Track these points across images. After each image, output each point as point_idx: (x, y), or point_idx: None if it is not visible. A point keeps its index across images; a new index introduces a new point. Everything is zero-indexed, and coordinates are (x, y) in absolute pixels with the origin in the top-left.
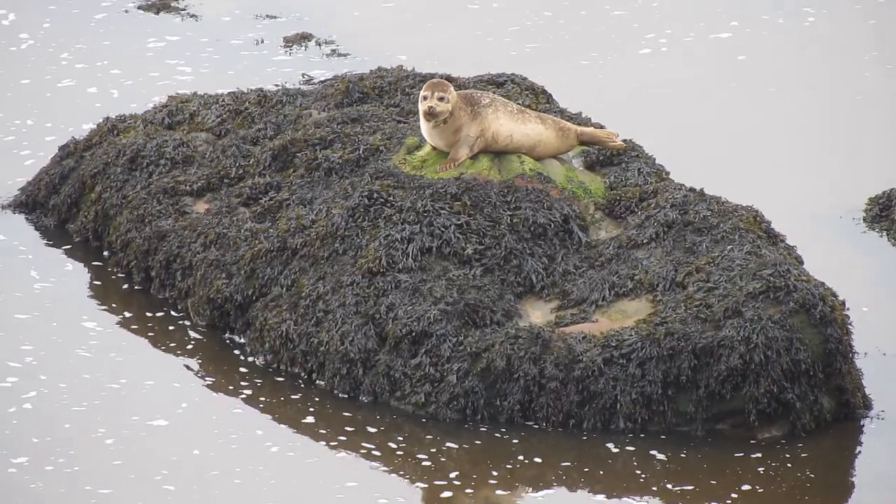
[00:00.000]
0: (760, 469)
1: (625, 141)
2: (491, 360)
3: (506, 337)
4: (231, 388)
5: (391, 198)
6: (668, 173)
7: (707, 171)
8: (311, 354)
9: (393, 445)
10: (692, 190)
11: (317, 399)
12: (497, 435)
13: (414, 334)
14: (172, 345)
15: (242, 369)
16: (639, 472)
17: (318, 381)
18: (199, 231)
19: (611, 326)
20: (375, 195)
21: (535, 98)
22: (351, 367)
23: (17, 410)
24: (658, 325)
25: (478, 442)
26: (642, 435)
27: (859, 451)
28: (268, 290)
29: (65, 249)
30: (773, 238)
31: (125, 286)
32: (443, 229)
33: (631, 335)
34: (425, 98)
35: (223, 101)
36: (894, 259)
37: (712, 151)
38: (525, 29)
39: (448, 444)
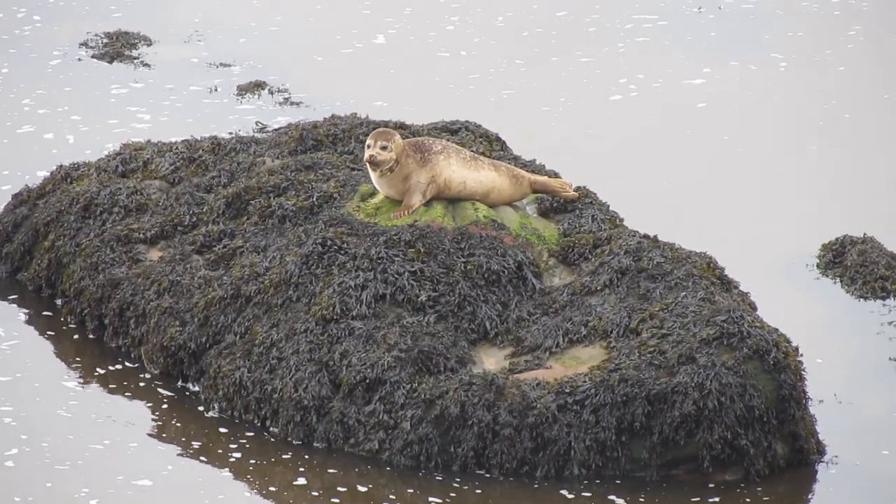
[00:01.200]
0: None
1: (578, 188)
2: (445, 406)
3: (460, 384)
4: (215, 449)
5: (345, 245)
6: (621, 220)
7: (661, 218)
8: (265, 402)
9: (345, 492)
10: (646, 237)
11: (306, 457)
12: (453, 483)
13: (368, 381)
14: (137, 398)
15: (222, 429)
16: None
17: (271, 429)
18: (153, 279)
19: (565, 373)
20: (329, 242)
21: (489, 145)
22: (305, 415)
23: None
24: (612, 371)
25: (432, 488)
26: (597, 481)
27: (812, 497)
28: (221, 338)
29: (16, 298)
30: (727, 284)
31: (76, 336)
32: (397, 276)
33: (585, 382)
34: (368, 147)
35: (177, 148)
36: (847, 305)
37: (666, 198)
38: (484, 77)
39: (405, 490)
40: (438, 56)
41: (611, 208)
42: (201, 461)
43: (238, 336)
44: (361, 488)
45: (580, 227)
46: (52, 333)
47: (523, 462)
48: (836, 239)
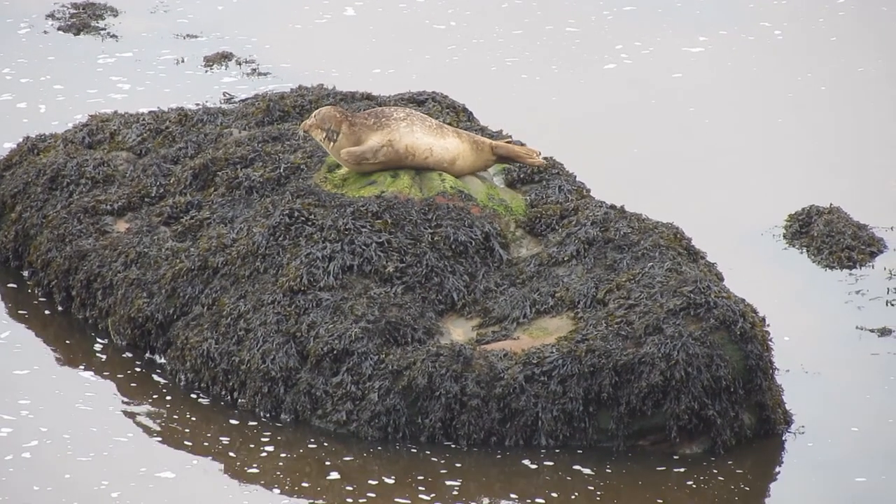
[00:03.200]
0: (682, 485)
1: (546, 159)
2: (412, 377)
3: (427, 355)
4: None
5: (312, 216)
6: (588, 191)
7: (627, 188)
8: (233, 373)
9: (315, 464)
10: (613, 207)
11: (332, 449)
12: (418, 451)
13: (335, 352)
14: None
15: (251, 422)
16: (562, 486)
17: (239, 400)
18: (120, 250)
19: (532, 344)
20: (296, 213)
21: (456, 116)
22: (272, 386)
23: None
24: (579, 342)
25: (400, 459)
26: (564, 451)
27: (780, 468)
28: (189, 309)
29: None
30: (694, 255)
31: (47, 311)
32: (364, 247)
33: (552, 352)
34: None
35: (144, 120)
36: (814, 275)
37: (633, 169)
38: (454, 47)
39: (370, 462)
40: (408, 28)
41: (577, 179)
42: (227, 455)
43: (205, 307)
44: (329, 461)
45: (547, 197)
46: (25, 313)
47: (491, 433)
48: (803, 209)
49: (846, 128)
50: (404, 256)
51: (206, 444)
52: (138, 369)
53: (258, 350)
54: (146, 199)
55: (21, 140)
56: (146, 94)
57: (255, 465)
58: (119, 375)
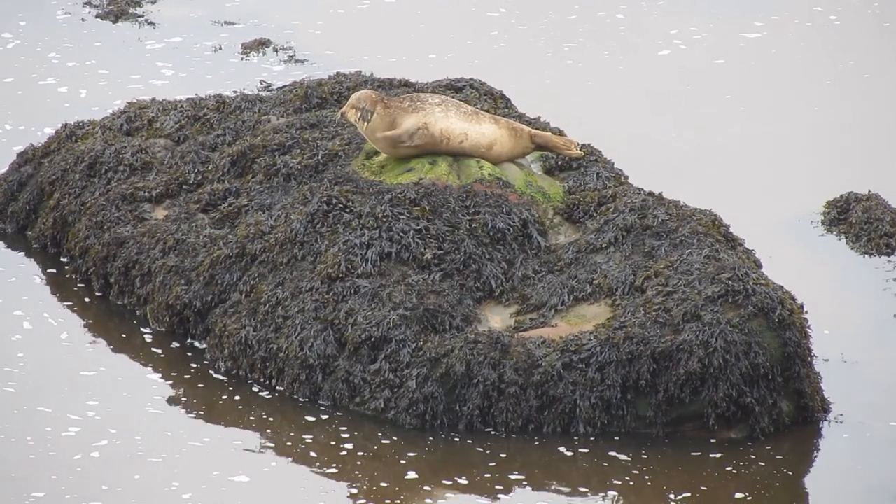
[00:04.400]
0: (722, 470)
1: (583, 146)
2: (450, 365)
3: (465, 342)
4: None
5: (350, 203)
6: (626, 177)
7: (665, 175)
8: (271, 360)
9: (352, 449)
10: (651, 194)
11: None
12: (457, 439)
13: (373, 340)
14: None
15: (335, 427)
16: (600, 472)
17: (277, 388)
18: (158, 237)
19: (570, 331)
20: (334, 201)
21: (494, 102)
22: (310, 373)
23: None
24: (617, 329)
25: (439, 446)
26: (605, 440)
27: (817, 455)
28: (227, 297)
29: (24, 255)
30: (732, 242)
31: (87, 298)
32: (402, 234)
33: (590, 340)
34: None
35: (181, 107)
36: (852, 262)
37: (671, 156)
38: (489, 35)
39: (408, 451)
40: (449, 14)
41: (616, 166)
42: (306, 457)
43: (243, 294)
44: (366, 447)
45: (585, 184)
46: (71, 304)
47: (528, 420)
48: (841, 196)
49: (886, 114)
50: (442, 243)
51: (283, 445)
52: (195, 364)
53: (296, 337)
54: (184, 187)
55: (59, 127)
56: (184, 81)
57: (333, 466)
58: (186, 376)
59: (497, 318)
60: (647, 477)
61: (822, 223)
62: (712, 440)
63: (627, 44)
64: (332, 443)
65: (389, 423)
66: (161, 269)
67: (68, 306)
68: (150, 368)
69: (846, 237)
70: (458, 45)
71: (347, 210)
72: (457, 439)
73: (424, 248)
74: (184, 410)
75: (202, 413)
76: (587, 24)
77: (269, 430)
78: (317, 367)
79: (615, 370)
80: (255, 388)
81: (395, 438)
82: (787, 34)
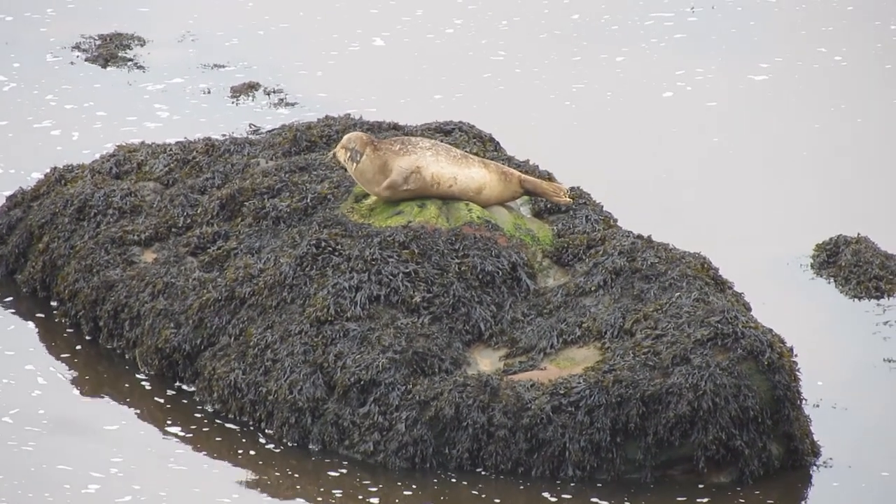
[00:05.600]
0: None
1: (572, 188)
2: (440, 408)
3: (454, 385)
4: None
5: (339, 246)
6: (615, 221)
7: (654, 218)
8: (260, 403)
9: (341, 494)
10: (640, 237)
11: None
12: (449, 480)
13: (362, 383)
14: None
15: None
16: None
17: (266, 431)
18: (147, 281)
19: (559, 374)
20: (323, 244)
21: (483, 146)
22: (299, 416)
23: None
24: (606, 372)
25: (427, 489)
26: (595, 484)
27: (807, 499)
28: (216, 340)
29: (13, 300)
30: (721, 285)
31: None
32: (391, 277)
33: (579, 383)
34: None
35: (171, 150)
36: (842, 305)
37: (660, 199)
38: (477, 77)
39: (399, 492)
40: (436, 58)
41: (605, 209)
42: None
43: (232, 338)
44: (357, 490)
45: (574, 227)
46: (48, 334)
47: (518, 463)
48: (830, 239)
49: (873, 156)
50: (431, 286)
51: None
52: (199, 414)
53: (285, 380)
54: (173, 230)
55: (49, 170)
56: (173, 125)
57: None
58: (205, 429)
59: (486, 362)
60: None
61: (812, 266)
62: (701, 485)
63: (625, 86)
64: (360, 496)
65: (379, 467)
66: (150, 313)
67: (65, 357)
68: (161, 420)
69: (835, 280)
70: (444, 88)
71: (336, 253)
72: (452, 480)
73: (413, 292)
74: (206, 465)
75: (225, 465)
76: (593, 70)
77: (297, 486)
78: (306, 410)
79: (604, 413)
80: (267, 443)
81: (385, 480)
82: (785, 77)
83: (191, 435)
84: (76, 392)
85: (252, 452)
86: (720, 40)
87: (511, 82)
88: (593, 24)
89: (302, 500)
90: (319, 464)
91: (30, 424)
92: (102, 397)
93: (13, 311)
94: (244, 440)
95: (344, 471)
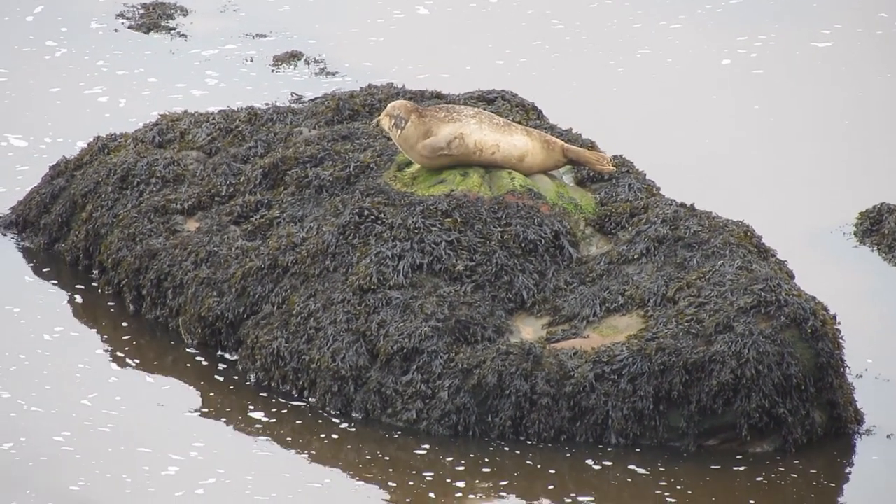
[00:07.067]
0: (752, 483)
1: (615, 157)
2: (482, 376)
3: (497, 353)
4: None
5: (382, 215)
6: (658, 189)
7: (698, 186)
8: (303, 372)
9: (387, 459)
10: (683, 205)
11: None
12: (491, 448)
13: (405, 351)
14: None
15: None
16: (631, 485)
17: (309, 399)
18: (190, 249)
19: (602, 342)
20: (366, 212)
21: (526, 114)
22: (342, 385)
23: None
24: (649, 340)
25: (470, 456)
26: (637, 450)
27: (851, 466)
28: (259, 308)
29: (54, 269)
30: (764, 253)
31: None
32: (434, 246)
33: (622, 351)
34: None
35: (214, 119)
36: (885, 273)
37: (703, 167)
38: (521, 46)
39: (441, 459)
40: (481, 27)
41: (647, 177)
42: (425, 499)
43: (275, 306)
44: (399, 457)
45: (617, 196)
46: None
47: (560, 431)
48: (874, 207)
49: None
50: (474, 255)
51: (401, 487)
52: (296, 403)
53: (328, 349)
54: (216, 199)
55: (91, 139)
56: (216, 93)
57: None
58: (283, 412)
59: (529, 330)
60: (678, 488)
61: (855, 234)
62: (741, 455)
63: (673, 57)
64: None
65: (422, 433)
66: (193, 281)
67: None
68: (242, 406)
69: (879, 248)
70: (488, 56)
71: (379, 222)
72: (493, 448)
73: (456, 260)
74: (291, 451)
75: (310, 452)
76: (641, 37)
77: (390, 470)
78: (349, 379)
79: (647, 381)
80: (342, 422)
81: (426, 447)
82: (828, 46)
83: (273, 420)
84: (148, 378)
85: (335, 436)
86: (779, 5)
87: (560, 50)
88: None
89: (394, 484)
90: (404, 443)
91: (107, 408)
92: (175, 379)
93: (55, 281)
94: (320, 421)
95: (426, 450)
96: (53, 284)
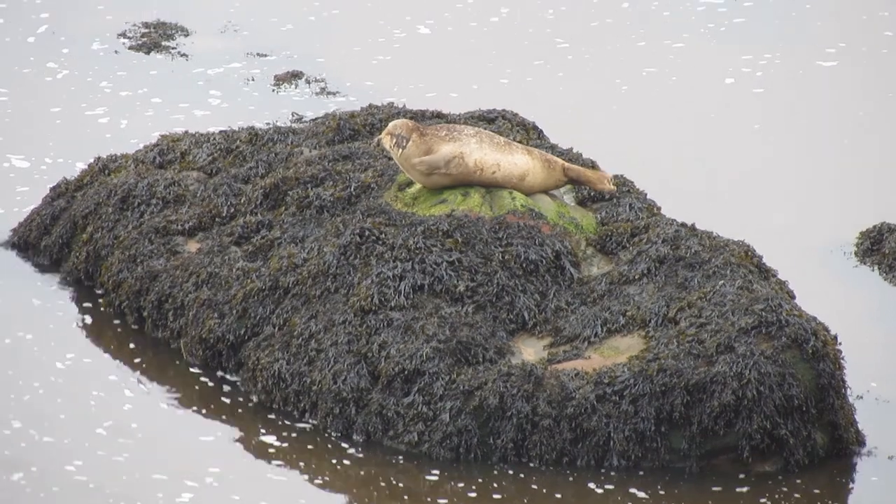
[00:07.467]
0: None
1: (616, 177)
2: (484, 398)
3: (498, 374)
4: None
5: (383, 235)
6: (659, 208)
7: (698, 206)
8: (304, 394)
9: (385, 484)
10: (683, 225)
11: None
12: (493, 471)
13: (406, 372)
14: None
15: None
16: None
17: (310, 421)
18: (191, 270)
19: (603, 363)
20: (367, 233)
21: (527, 134)
22: (343, 407)
23: None
24: (650, 361)
25: (471, 479)
26: (640, 472)
27: (852, 487)
28: (260, 330)
29: (57, 290)
30: (765, 273)
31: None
32: (435, 266)
33: (623, 372)
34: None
35: (214, 139)
36: (885, 293)
37: (703, 187)
38: (523, 65)
39: (443, 482)
40: (481, 47)
41: (648, 197)
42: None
43: (276, 328)
44: (400, 481)
45: (618, 215)
46: (91, 322)
47: (563, 453)
48: (874, 226)
49: None
50: (475, 275)
51: None
52: (302, 425)
53: (329, 370)
54: (217, 219)
55: (92, 160)
56: (218, 114)
57: None
58: (294, 437)
59: (530, 351)
60: None
61: (856, 254)
62: (743, 475)
63: (677, 76)
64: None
65: (424, 456)
66: (194, 303)
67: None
68: (254, 430)
69: (879, 268)
70: (489, 76)
71: (380, 242)
72: (496, 471)
73: (457, 281)
74: (305, 476)
75: (328, 477)
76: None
77: (405, 497)
78: (350, 401)
79: (649, 402)
80: (349, 447)
81: (430, 470)
82: (833, 66)
83: (286, 445)
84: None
85: (346, 462)
86: (782, 24)
87: (564, 69)
88: (645, 11)
89: None
90: (412, 468)
91: (123, 436)
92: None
93: (62, 302)
94: (330, 446)
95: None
96: (61, 306)
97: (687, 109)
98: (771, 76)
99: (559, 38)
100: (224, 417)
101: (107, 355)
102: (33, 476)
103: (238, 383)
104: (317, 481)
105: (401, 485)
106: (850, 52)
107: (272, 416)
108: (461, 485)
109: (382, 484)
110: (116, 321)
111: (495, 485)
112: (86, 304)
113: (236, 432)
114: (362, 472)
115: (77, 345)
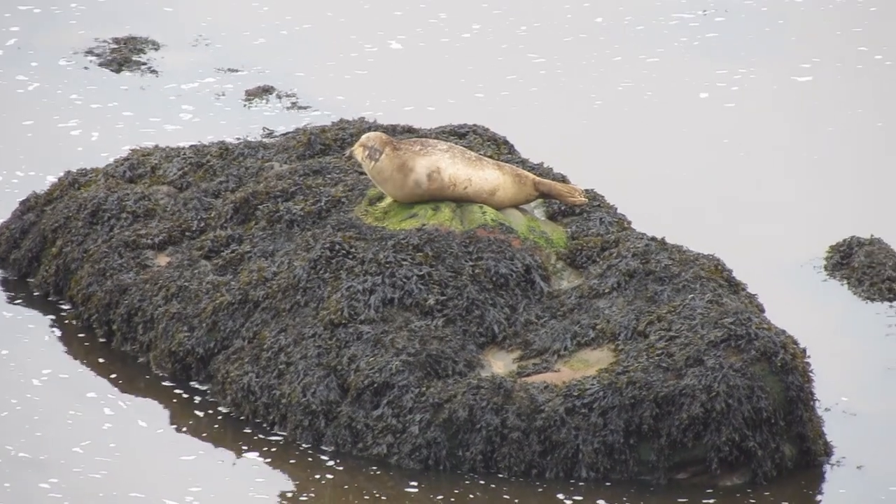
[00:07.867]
0: None
1: (587, 191)
2: (453, 410)
3: (468, 387)
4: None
5: (353, 249)
6: (629, 223)
7: (668, 220)
8: (273, 406)
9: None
10: (654, 239)
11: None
12: (462, 482)
13: (376, 385)
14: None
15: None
16: None
17: (279, 433)
18: (161, 284)
19: (573, 376)
20: (337, 247)
21: (497, 148)
22: (313, 419)
23: None
24: (620, 374)
25: (455, 492)
26: (608, 483)
27: (820, 499)
28: (229, 343)
29: (26, 304)
30: (735, 286)
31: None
32: (405, 280)
33: (593, 384)
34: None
35: (184, 154)
36: (854, 307)
37: (674, 201)
38: (496, 80)
39: (432, 497)
40: (452, 62)
41: (618, 211)
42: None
43: (246, 341)
44: (370, 493)
45: (588, 230)
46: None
47: (531, 465)
48: (844, 240)
49: (887, 157)
50: (445, 289)
51: None
52: (277, 438)
53: (299, 383)
54: (187, 233)
55: (62, 174)
56: (189, 128)
57: None
58: (275, 451)
59: (500, 364)
60: None
61: (825, 268)
62: (712, 488)
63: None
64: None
65: (393, 468)
66: (164, 316)
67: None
68: (236, 448)
69: (848, 282)
70: (459, 91)
71: (350, 256)
72: (465, 482)
73: (427, 294)
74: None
75: (312, 493)
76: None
77: None
78: (319, 413)
79: (618, 415)
80: (329, 460)
81: (397, 481)
82: (801, 81)
83: (268, 460)
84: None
85: (329, 476)
86: (756, 40)
87: (537, 84)
88: (618, 25)
89: None
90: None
91: (100, 454)
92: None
93: (32, 315)
94: (311, 460)
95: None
96: (31, 320)
97: (661, 124)
98: (745, 91)
99: (532, 54)
100: (200, 432)
101: (81, 370)
102: (6, 493)
103: (208, 393)
104: (302, 498)
105: (383, 497)
106: (824, 68)
107: (248, 430)
108: (441, 497)
109: (366, 497)
110: (82, 334)
111: (471, 496)
112: (52, 318)
113: (213, 448)
114: (346, 486)
115: (54, 360)
